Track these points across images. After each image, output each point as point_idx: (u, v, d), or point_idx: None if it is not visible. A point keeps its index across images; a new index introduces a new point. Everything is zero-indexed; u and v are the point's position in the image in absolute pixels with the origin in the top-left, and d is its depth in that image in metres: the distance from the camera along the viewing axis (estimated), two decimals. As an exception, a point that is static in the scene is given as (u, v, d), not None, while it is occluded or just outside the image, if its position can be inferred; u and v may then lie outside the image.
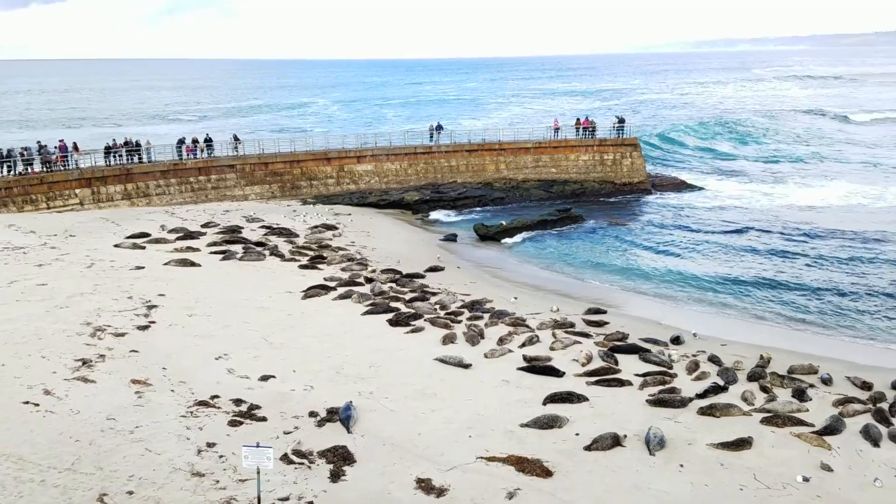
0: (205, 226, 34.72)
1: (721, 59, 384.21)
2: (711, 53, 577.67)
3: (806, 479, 13.97)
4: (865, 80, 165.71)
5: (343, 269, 29.04)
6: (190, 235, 32.48)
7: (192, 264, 28.23)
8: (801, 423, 16.51)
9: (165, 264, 27.85)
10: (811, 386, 18.74)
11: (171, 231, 33.02)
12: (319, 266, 29.47)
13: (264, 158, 43.59)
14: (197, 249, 30.39)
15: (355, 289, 26.23)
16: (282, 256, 30.59)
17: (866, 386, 18.79)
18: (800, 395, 18.03)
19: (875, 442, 15.64)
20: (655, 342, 21.85)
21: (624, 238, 37.29)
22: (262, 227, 35.48)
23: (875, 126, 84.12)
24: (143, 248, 30.26)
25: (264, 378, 18.01)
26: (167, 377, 17.58)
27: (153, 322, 21.50)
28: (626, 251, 34.80)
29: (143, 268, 27.10)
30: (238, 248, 31.15)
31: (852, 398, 17.93)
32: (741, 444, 15.26)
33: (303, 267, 29.27)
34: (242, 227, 34.90)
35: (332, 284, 26.70)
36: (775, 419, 16.60)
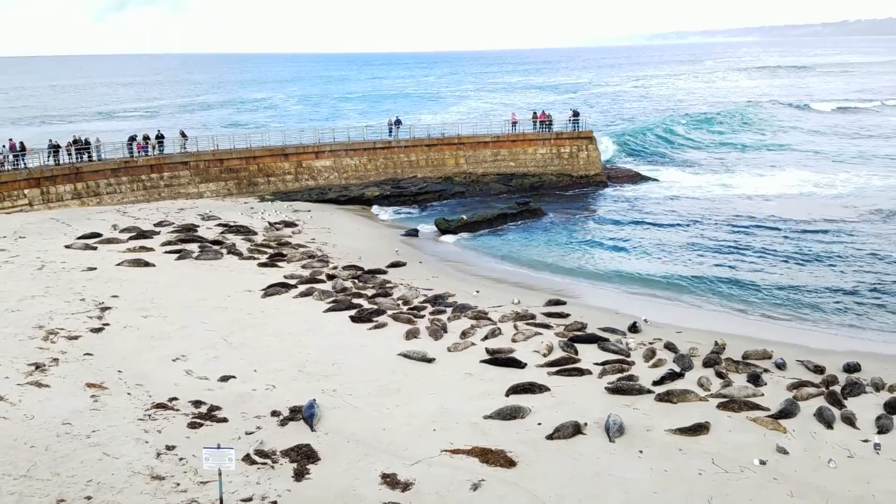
0: (158, 225, 34.12)
1: (673, 51, 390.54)
2: (664, 46, 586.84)
3: (763, 463, 14.36)
4: (815, 70, 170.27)
5: (304, 267, 28.84)
6: (143, 235, 31.89)
7: (147, 264, 27.73)
8: (757, 407, 16.95)
9: (118, 265, 27.32)
10: (766, 371, 19.25)
11: (123, 231, 32.37)
12: (279, 264, 29.22)
13: (219, 155, 42.94)
14: (151, 249, 29.86)
15: (317, 286, 26.07)
16: (240, 255, 30.23)
17: (819, 370, 19.37)
18: (755, 379, 18.50)
19: (829, 424, 16.13)
20: (613, 331, 22.22)
21: (582, 230, 37.77)
22: (219, 225, 35.00)
23: (837, 115, 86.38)
24: (95, 248, 29.62)
25: (224, 378, 17.82)
26: (123, 380, 17.28)
27: (107, 324, 21.09)
28: (583, 243, 35.23)
29: (95, 269, 26.54)
30: (194, 246, 30.69)
31: (806, 382, 18.46)
32: (698, 429, 15.62)
33: (262, 265, 28.98)
34: (198, 226, 34.38)
35: (293, 282, 26.49)
36: (731, 404, 17.02)
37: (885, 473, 14.12)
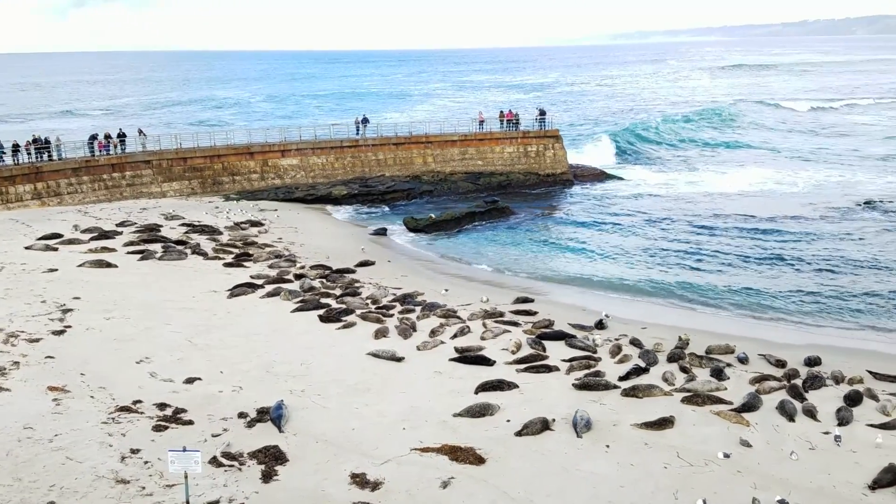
0: (121, 225, 33.55)
1: (637, 50, 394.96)
2: (628, 45, 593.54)
3: (727, 456, 14.61)
4: (778, 68, 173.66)
5: (271, 267, 28.60)
6: (105, 235, 31.33)
7: (109, 265, 27.26)
8: (721, 401, 17.24)
9: (80, 266, 26.81)
10: (728, 365, 19.58)
11: (84, 231, 31.77)
12: (245, 264, 28.93)
13: (182, 153, 42.35)
14: (113, 250, 29.36)
15: (284, 286, 25.88)
16: (205, 255, 29.86)
17: (780, 363, 19.76)
18: (718, 374, 18.82)
19: (790, 417, 16.47)
20: (581, 328, 22.44)
21: (549, 228, 38.05)
22: (183, 224, 34.53)
23: (805, 113, 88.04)
24: (56, 249, 29.02)
25: (189, 380, 17.60)
26: (86, 383, 16.98)
27: (69, 326, 20.69)
28: (550, 241, 35.50)
29: (56, 270, 26.01)
30: (157, 247, 30.25)
31: (768, 376, 18.81)
32: (664, 423, 15.86)
33: (228, 265, 28.67)
34: (161, 226, 33.88)
35: (260, 282, 26.26)
36: (695, 398, 17.30)
37: (844, 464, 14.47)
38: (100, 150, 40.29)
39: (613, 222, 38.99)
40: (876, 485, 13.66)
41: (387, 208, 43.19)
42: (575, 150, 56.55)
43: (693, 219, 39.13)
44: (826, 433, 15.72)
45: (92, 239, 30.69)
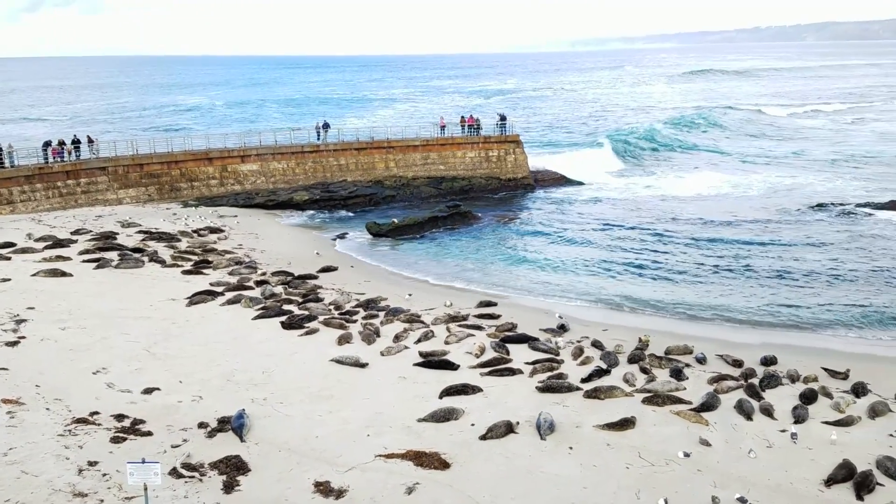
0: (75, 233, 32.76)
1: (595, 57, 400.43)
2: (586, 52, 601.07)
3: (687, 455, 14.81)
4: (733, 74, 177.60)
5: (231, 273, 28.20)
6: (60, 244, 30.55)
7: (64, 274, 26.58)
8: (680, 401, 17.50)
9: (34, 275, 26.09)
10: (687, 365, 19.90)
11: (38, 240, 30.93)
12: (205, 271, 28.48)
13: (139, 159, 41.52)
14: (68, 258, 28.65)
15: (245, 293, 25.54)
16: (162, 262, 29.32)
17: (737, 363, 20.14)
18: (677, 374, 19.10)
19: (748, 416, 16.78)
20: (544, 331, 22.57)
21: (511, 233, 38.30)
22: (140, 232, 33.87)
23: (791, 118, 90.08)
24: (9, 258, 28.21)
25: (148, 391, 17.23)
26: (41, 395, 16.50)
27: (23, 337, 20.12)
28: (513, 246, 35.73)
29: (9, 280, 25.28)
30: (113, 255, 29.61)
31: (726, 375, 19.17)
32: (625, 424, 16.03)
33: (186, 272, 28.19)
34: (117, 233, 33.18)
35: (220, 289, 25.86)
36: (656, 398, 17.53)
37: (801, 461, 14.81)
38: (54, 157, 39.27)
39: (574, 227, 39.39)
40: (831, 481, 13.98)
41: (349, 213, 42.98)
42: (535, 155, 56.96)
43: (652, 223, 39.74)
44: (783, 431, 16.06)
45: (46, 248, 29.90)
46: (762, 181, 51.61)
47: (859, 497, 13.53)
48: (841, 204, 42.77)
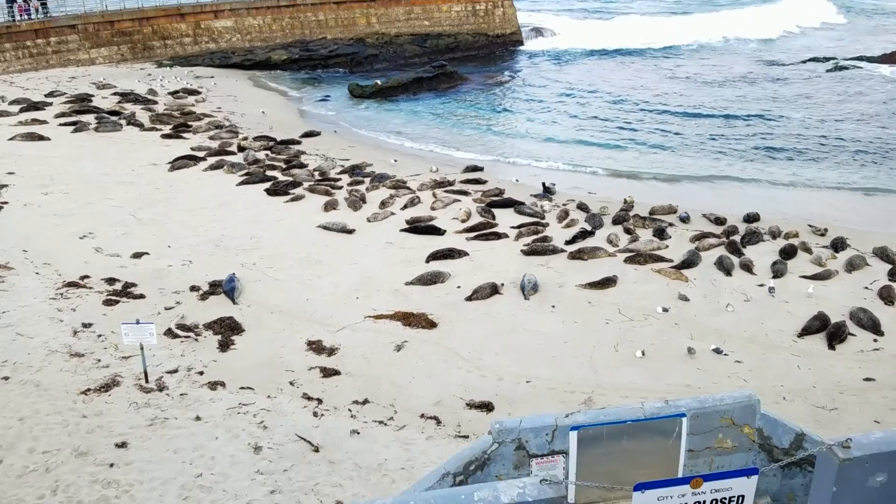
0: (49, 95, 31.97)
1: None
2: None
3: (665, 310, 15.45)
4: None
5: (211, 138, 27.90)
6: (35, 106, 29.89)
7: (41, 138, 26.23)
8: (662, 259, 17.99)
9: (11, 139, 25.74)
10: (671, 225, 20.25)
11: (12, 103, 30.22)
12: (184, 135, 28.15)
13: (108, 16, 39.77)
14: (44, 122, 28.14)
15: (227, 158, 25.39)
16: (141, 126, 28.89)
17: (720, 221, 20.47)
18: (660, 233, 19.48)
19: (728, 272, 17.28)
20: (530, 195, 22.82)
21: (498, 95, 37.66)
22: (115, 94, 33.08)
23: None
24: (-19, 123, 27.68)
25: (137, 255, 17.57)
26: (29, 259, 16.82)
27: (6, 203, 20.20)
28: (500, 109, 35.28)
29: (-16, 145, 24.96)
30: (90, 118, 29.08)
31: (708, 233, 19.54)
32: (607, 282, 16.60)
33: (166, 136, 27.86)
34: (92, 95, 32.41)
35: (201, 154, 25.67)
36: (638, 257, 18.01)
37: (777, 313, 15.48)
38: (20, 15, 37.51)
39: (565, 86, 38.73)
40: (805, 332, 14.66)
41: (330, 73, 41.90)
42: (526, 10, 55.01)
43: (648, 79, 39.08)
44: (761, 286, 16.63)
45: (21, 111, 29.28)
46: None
47: (831, 346, 14.27)
48: (832, 58, 42.01)
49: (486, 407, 12.05)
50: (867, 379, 13.20)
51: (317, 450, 10.43)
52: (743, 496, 5.01)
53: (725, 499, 5.00)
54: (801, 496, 6.35)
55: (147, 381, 11.90)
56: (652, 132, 30.85)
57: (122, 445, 10.23)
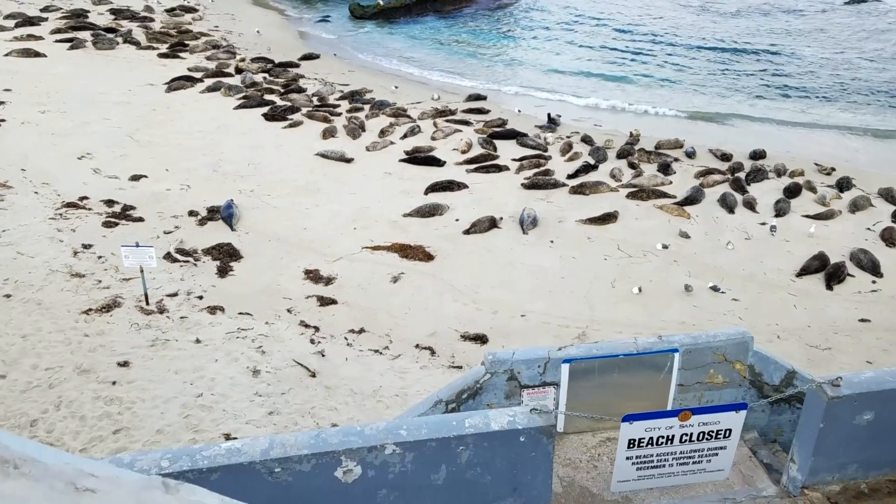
0: (45, 10, 31.23)
1: None
2: None
3: (665, 247, 15.54)
4: None
5: (209, 59, 27.45)
6: (30, 21, 29.28)
7: (38, 55, 25.80)
8: (664, 195, 17.94)
9: (7, 55, 25.35)
10: (676, 160, 20.16)
11: (7, 17, 29.58)
12: (181, 55, 27.66)
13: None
14: (40, 38, 27.62)
15: (224, 80, 25.04)
16: (137, 44, 28.37)
17: (726, 157, 20.37)
18: (664, 168, 19.42)
19: (730, 209, 17.29)
20: (535, 128, 22.63)
21: (505, 20, 36.79)
22: (111, 10, 32.34)
23: None
24: (-26, 37, 27.18)
25: (135, 178, 17.59)
26: (28, 179, 16.86)
27: (3, 120, 20.09)
28: (506, 34, 34.55)
29: (-22, 60, 24.60)
30: (86, 35, 28.54)
31: (713, 170, 19.45)
32: (607, 218, 16.64)
33: (163, 56, 27.39)
34: (88, 11, 31.70)
35: (199, 75, 25.31)
36: (640, 193, 17.98)
37: (777, 252, 15.58)
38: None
39: (574, 13, 37.80)
40: (803, 272, 14.79)
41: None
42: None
43: (661, 7, 38.12)
44: (763, 224, 16.67)
45: (17, 25, 28.71)
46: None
47: (829, 287, 14.42)
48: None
49: (481, 339, 12.29)
50: (862, 320, 13.41)
51: (313, 375, 10.71)
52: (730, 430, 5.19)
53: (713, 432, 5.17)
54: (788, 432, 6.53)
55: (148, 304, 12.12)
56: (662, 65, 30.31)
57: (124, 364, 10.51)
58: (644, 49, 32.31)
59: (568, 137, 21.74)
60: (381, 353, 11.61)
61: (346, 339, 11.98)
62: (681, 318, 13.25)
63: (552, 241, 15.75)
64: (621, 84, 28.24)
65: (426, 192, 17.88)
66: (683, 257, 15.28)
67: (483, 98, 25.30)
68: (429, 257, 14.90)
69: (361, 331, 12.28)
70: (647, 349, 6.13)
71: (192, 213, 16.04)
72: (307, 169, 19.03)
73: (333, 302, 13.09)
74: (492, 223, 16.23)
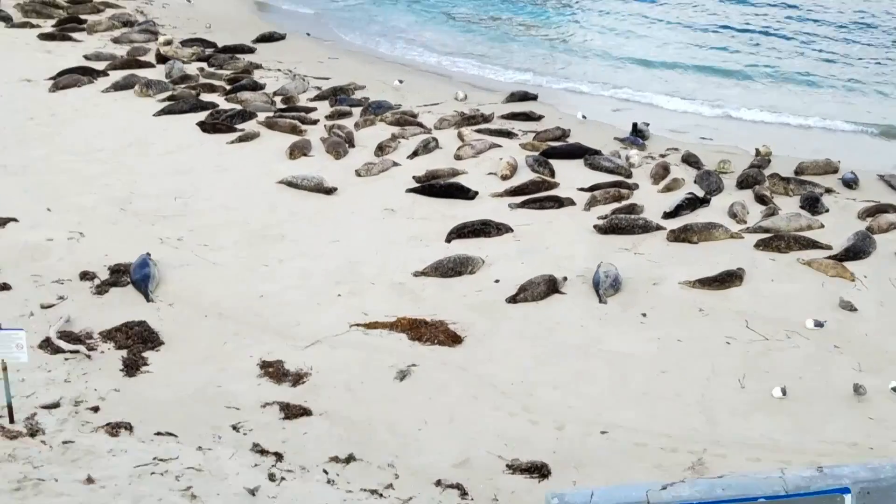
0: None
1: None
2: None
3: (819, 324, 15.18)
4: None
5: (116, 41, 27.99)
6: None
7: None
8: (813, 244, 17.76)
9: None
10: (828, 191, 20.14)
11: None
12: (75, 36, 28.19)
13: None
14: None
15: (139, 73, 25.35)
16: (8, 20, 29.05)
17: (906, 188, 20.39)
18: (812, 204, 19.28)
19: (917, 267, 17.13)
20: (615, 139, 22.68)
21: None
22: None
23: None
24: None
25: (0, 222, 17.56)
26: None
27: None
28: (566, 6, 34.89)
29: None
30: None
31: (886, 206, 19.36)
32: (728, 279, 16.39)
33: (46, 37, 28.01)
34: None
35: (101, 66, 25.74)
36: (776, 241, 17.79)
37: None
38: None
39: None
40: None
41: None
42: None
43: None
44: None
45: None
46: None
47: None
48: None
49: (538, 471, 11.94)
50: None
51: (275, 534, 10.34)
52: None
53: None
54: None
55: (12, 421, 11.83)
56: (797, 52, 30.47)
57: (-32, 524, 10.16)
58: (773, 28, 32.45)
59: (662, 157, 21.83)
60: (380, 496, 11.26)
61: (325, 472, 11.65)
62: (850, 438, 12.87)
63: (644, 315, 15.49)
64: (738, 80, 28.38)
65: (449, 239, 17.81)
66: (848, 341, 14.98)
67: (532, 98, 25.53)
68: (454, 339, 14.63)
69: (350, 459, 11.96)
70: (803, 489, 6.02)
71: (85, 276, 15.91)
72: (266, 205, 19.03)
73: (305, 412, 12.79)
74: (551, 286, 16.02)
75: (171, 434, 12.07)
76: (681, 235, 17.99)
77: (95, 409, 12.44)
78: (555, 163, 21.03)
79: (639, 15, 33.87)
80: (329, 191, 19.64)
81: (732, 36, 31.58)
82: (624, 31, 32.46)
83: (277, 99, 24.38)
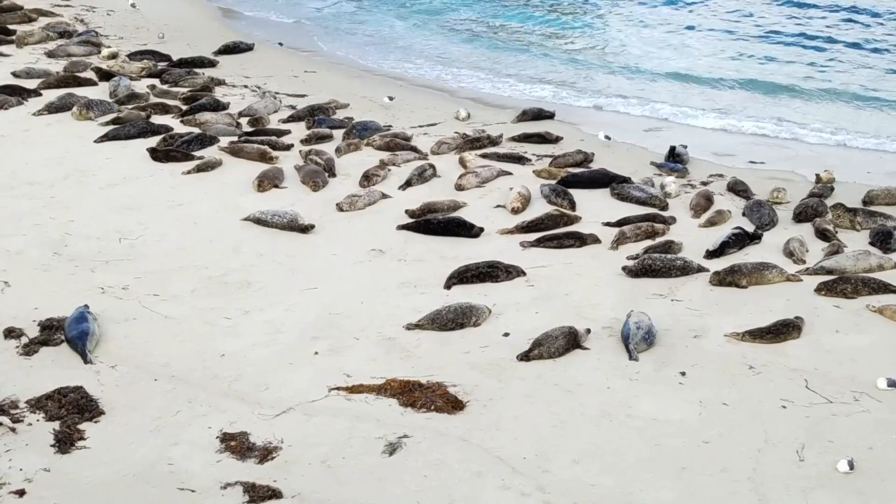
0: None
1: None
2: None
3: (893, 384, 15.12)
4: None
5: (51, 55, 28.19)
6: None
7: None
8: (886, 288, 17.82)
9: None
10: (903, 224, 20.16)
11: None
12: (2, 49, 28.58)
13: None
14: None
15: (78, 91, 25.48)
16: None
17: None
18: (884, 240, 19.36)
19: None
20: (651, 164, 22.80)
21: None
22: None
23: None
24: None
25: None
26: None
27: None
28: (582, 11, 35.14)
29: None
30: None
31: (973, 242, 19.41)
32: (784, 330, 16.34)
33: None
34: None
35: (32, 85, 25.96)
36: (841, 284, 17.80)
37: None
38: None
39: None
40: None
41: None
42: None
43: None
44: None
45: None
46: None
47: None
48: None
49: (557, 563, 11.85)
50: None
51: None
52: None
53: None
54: None
55: (-78, 507, 11.77)
56: (862, 63, 30.55)
57: None
58: (833, 35, 32.60)
59: (704, 185, 21.91)
60: None
61: (298, 568, 11.57)
62: (933, 521, 12.76)
63: (683, 374, 15.44)
64: (794, 95, 28.50)
65: (448, 285, 17.86)
66: (929, 403, 14.93)
67: (548, 116, 25.69)
68: (455, 405, 14.55)
69: (328, 552, 11.88)
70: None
71: (10, 334, 15.88)
72: (229, 246, 19.06)
73: (275, 495, 12.69)
74: (570, 340, 15.97)
75: (112, 522, 12.04)
76: (727, 278, 18.00)
77: (21, 493, 12.35)
78: (575, 193, 21.14)
79: (672, 22, 34.04)
80: (305, 228, 19.68)
81: (784, 44, 31.69)
82: (656, 40, 32.68)
83: (243, 120, 24.51)
